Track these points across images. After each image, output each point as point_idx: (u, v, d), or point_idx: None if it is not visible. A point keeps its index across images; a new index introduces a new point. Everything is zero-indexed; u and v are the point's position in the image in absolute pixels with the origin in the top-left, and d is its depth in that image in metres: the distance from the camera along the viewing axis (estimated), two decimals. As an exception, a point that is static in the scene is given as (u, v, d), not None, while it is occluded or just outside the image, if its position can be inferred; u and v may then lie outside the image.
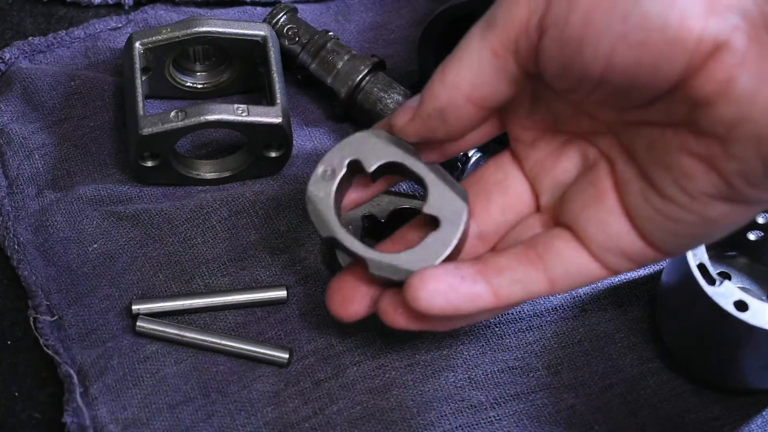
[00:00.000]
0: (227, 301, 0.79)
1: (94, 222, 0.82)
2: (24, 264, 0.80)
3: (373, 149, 0.67)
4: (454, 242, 0.66)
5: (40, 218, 0.82)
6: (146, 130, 0.79)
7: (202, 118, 0.79)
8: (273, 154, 0.83)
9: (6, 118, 0.86)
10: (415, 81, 0.87)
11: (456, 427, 0.75)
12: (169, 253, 0.81)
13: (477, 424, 0.76)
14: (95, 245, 0.81)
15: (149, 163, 0.82)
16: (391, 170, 0.68)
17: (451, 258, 0.66)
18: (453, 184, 0.68)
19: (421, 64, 0.85)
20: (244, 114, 0.80)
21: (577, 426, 0.76)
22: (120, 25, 0.92)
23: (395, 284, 0.66)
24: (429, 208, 0.67)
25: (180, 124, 0.79)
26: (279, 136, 0.81)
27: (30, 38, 0.91)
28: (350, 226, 0.80)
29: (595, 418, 0.76)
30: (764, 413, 0.77)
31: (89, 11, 0.94)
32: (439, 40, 0.83)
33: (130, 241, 0.81)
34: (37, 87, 0.87)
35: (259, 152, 0.83)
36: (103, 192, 0.83)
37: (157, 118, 0.80)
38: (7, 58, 0.89)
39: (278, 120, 0.81)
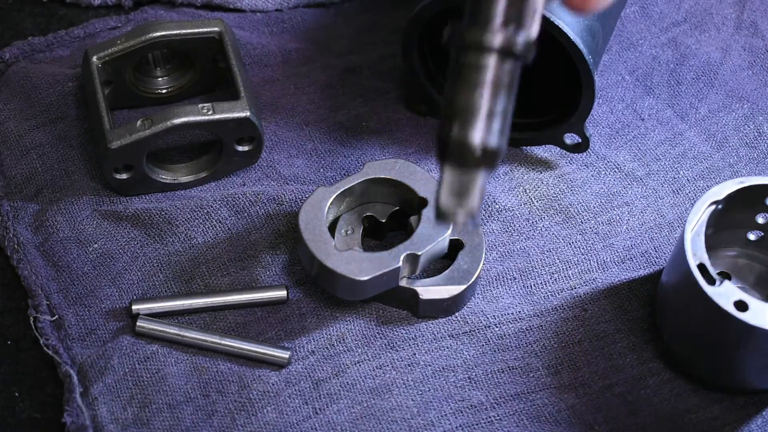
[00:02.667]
0: (227, 301, 0.79)
1: (94, 222, 0.82)
2: (24, 264, 0.80)
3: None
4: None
5: (40, 218, 0.82)
6: (115, 144, 0.79)
7: (168, 122, 0.79)
8: (246, 148, 0.83)
9: (3, 116, 0.86)
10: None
11: (456, 427, 0.75)
12: (169, 253, 0.81)
13: (477, 424, 0.76)
14: (95, 245, 0.81)
15: (124, 176, 0.81)
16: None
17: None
18: None
19: (406, 62, 0.85)
20: (210, 113, 0.79)
21: (577, 426, 0.76)
22: (120, 24, 0.92)
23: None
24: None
25: (148, 132, 0.79)
26: (248, 129, 0.81)
27: (30, 38, 0.91)
28: (351, 227, 0.80)
29: (595, 418, 0.76)
30: (764, 413, 0.77)
31: (89, 11, 0.94)
32: (421, 36, 0.83)
33: (130, 241, 0.81)
34: (36, 86, 0.87)
35: (231, 148, 0.82)
36: (103, 192, 0.83)
37: (124, 129, 0.79)
38: (6, 58, 0.89)
39: (245, 113, 0.80)
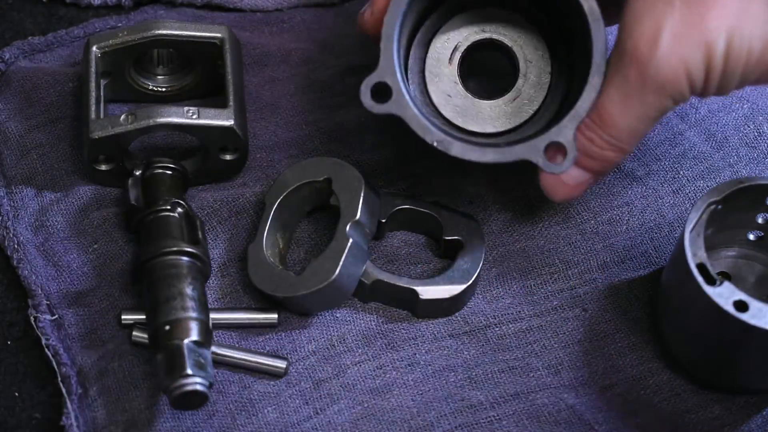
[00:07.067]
0: (218, 320, 0.78)
1: (95, 222, 0.82)
2: (24, 263, 0.80)
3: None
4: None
5: (40, 218, 0.82)
6: (96, 134, 0.79)
7: (151, 120, 0.79)
8: (227, 157, 0.82)
9: (4, 116, 0.86)
10: None
11: (456, 427, 0.75)
12: (169, 253, 0.81)
13: (477, 424, 0.76)
14: (95, 245, 0.81)
15: (103, 167, 0.81)
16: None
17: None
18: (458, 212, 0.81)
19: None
20: (194, 116, 0.79)
21: (577, 426, 0.76)
22: (120, 24, 0.92)
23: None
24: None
25: (130, 127, 0.79)
26: (232, 138, 0.80)
27: (30, 38, 0.91)
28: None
29: (595, 418, 0.76)
30: (764, 413, 0.77)
31: (89, 11, 0.94)
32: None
33: (130, 241, 0.81)
34: (36, 86, 0.87)
35: (214, 156, 0.82)
36: (103, 192, 0.83)
37: (107, 121, 0.79)
38: (6, 58, 0.89)
39: (229, 122, 0.80)
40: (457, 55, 0.81)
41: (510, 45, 0.80)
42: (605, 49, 0.73)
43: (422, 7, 0.79)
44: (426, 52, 0.81)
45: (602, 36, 0.73)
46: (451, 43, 0.81)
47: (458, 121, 0.81)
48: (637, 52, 0.68)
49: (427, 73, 0.81)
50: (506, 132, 0.80)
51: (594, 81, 0.73)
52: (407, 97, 0.75)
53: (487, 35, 0.81)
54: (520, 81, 0.80)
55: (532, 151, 0.74)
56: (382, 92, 0.75)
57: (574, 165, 0.73)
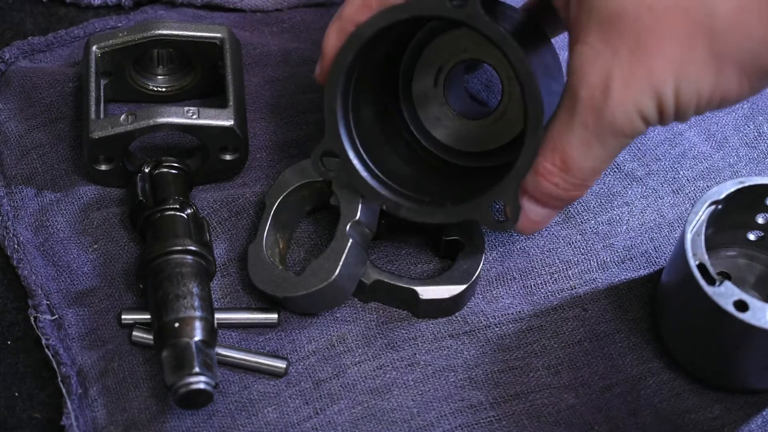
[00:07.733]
0: (219, 319, 0.78)
1: (95, 222, 0.82)
2: (24, 263, 0.80)
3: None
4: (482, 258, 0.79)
5: (40, 218, 0.82)
6: (96, 134, 0.79)
7: (151, 120, 0.79)
8: (227, 157, 0.82)
9: (3, 116, 0.86)
10: None
11: (456, 427, 0.75)
12: (169, 253, 0.81)
13: (477, 424, 0.76)
14: (95, 245, 0.81)
15: (103, 167, 0.82)
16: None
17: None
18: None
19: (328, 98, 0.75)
20: (194, 117, 0.79)
21: (577, 426, 0.76)
22: (120, 24, 0.92)
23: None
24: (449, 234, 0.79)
25: (129, 127, 0.79)
26: (232, 138, 0.81)
27: (30, 38, 0.91)
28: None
29: (595, 418, 0.76)
30: (764, 413, 0.77)
31: (89, 11, 0.94)
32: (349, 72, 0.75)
33: (130, 241, 0.81)
34: (36, 86, 0.87)
35: (214, 155, 0.82)
36: (104, 192, 0.83)
37: (107, 121, 0.79)
38: (6, 58, 0.89)
39: (229, 122, 0.80)
40: (442, 78, 0.81)
41: (492, 63, 0.80)
42: (540, 106, 0.70)
43: (387, 48, 0.78)
44: (412, 78, 0.81)
45: (535, 91, 0.70)
46: (434, 66, 0.81)
47: (450, 143, 0.81)
48: (591, 101, 0.68)
49: (415, 98, 0.81)
50: (496, 150, 0.81)
51: (530, 140, 0.71)
52: (355, 162, 0.75)
53: (468, 55, 0.81)
54: (504, 99, 0.80)
55: (476, 212, 0.74)
56: (332, 159, 0.76)
57: (539, 205, 0.73)
